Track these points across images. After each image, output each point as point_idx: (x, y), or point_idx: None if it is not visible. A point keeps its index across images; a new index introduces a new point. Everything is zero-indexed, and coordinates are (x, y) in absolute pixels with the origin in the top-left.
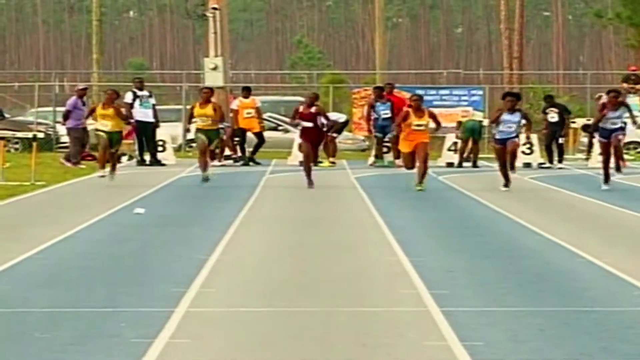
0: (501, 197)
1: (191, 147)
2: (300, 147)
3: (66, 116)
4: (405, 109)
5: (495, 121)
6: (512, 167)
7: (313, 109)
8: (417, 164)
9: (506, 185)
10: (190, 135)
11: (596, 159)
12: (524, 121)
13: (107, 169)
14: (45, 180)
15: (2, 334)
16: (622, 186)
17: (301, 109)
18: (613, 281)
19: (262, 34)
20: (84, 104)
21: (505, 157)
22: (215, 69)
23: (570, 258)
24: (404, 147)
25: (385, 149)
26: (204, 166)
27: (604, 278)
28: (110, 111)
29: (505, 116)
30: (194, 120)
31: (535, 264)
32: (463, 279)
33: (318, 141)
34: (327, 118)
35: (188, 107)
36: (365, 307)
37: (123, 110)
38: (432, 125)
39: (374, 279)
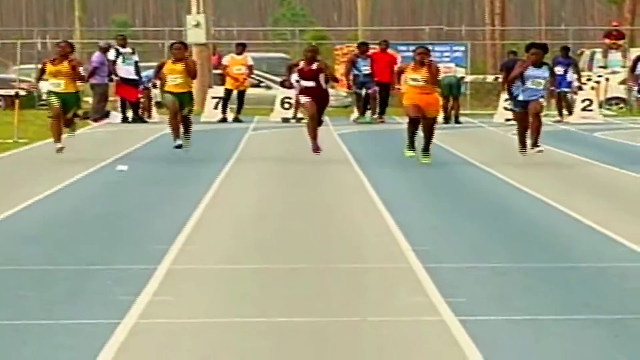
0: (486, 155)
1: None
2: (303, 104)
3: (93, 72)
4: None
5: (514, 79)
6: (536, 142)
7: (314, 66)
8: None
9: (523, 148)
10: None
11: (579, 114)
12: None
13: (66, 135)
14: (28, 138)
15: None
16: (609, 143)
17: (301, 64)
18: (598, 238)
19: None
20: (108, 60)
21: (528, 122)
22: (197, 25)
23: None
24: (407, 99)
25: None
26: (177, 131)
27: (589, 235)
28: (64, 67)
29: (531, 71)
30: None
31: (521, 221)
32: (447, 236)
33: (323, 103)
34: (334, 78)
35: None
36: (350, 263)
37: (81, 69)
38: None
39: (359, 237)
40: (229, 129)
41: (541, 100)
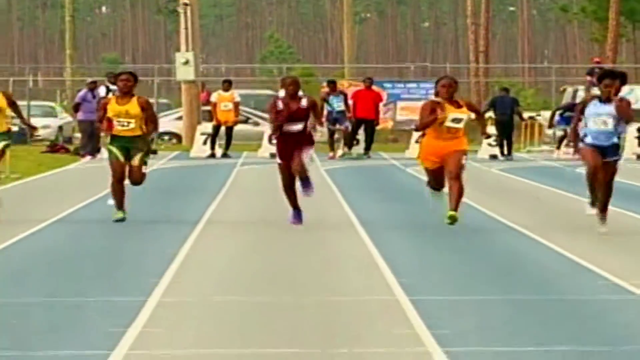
0: (471, 188)
1: (162, 139)
2: (280, 169)
3: (76, 108)
4: (429, 100)
5: (579, 118)
6: (606, 205)
7: (304, 102)
8: (447, 183)
9: (596, 207)
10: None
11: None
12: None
13: None
14: (20, 172)
15: None
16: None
17: (280, 105)
18: (580, 271)
19: (232, 29)
20: (94, 97)
21: (598, 175)
22: (186, 63)
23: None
24: (427, 161)
25: (355, 141)
26: (120, 199)
27: (571, 268)
28: None
29: (595, 107)
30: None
31: (504, 253)
32: (434, 272)
33: (301, 155)
34: (319, 120)
35: (161, 100)
36: (335, 296)
37: (18, 103)
38: (472, 116)
39: (344, 270)
40: (218, 165)
41: (617, 157)
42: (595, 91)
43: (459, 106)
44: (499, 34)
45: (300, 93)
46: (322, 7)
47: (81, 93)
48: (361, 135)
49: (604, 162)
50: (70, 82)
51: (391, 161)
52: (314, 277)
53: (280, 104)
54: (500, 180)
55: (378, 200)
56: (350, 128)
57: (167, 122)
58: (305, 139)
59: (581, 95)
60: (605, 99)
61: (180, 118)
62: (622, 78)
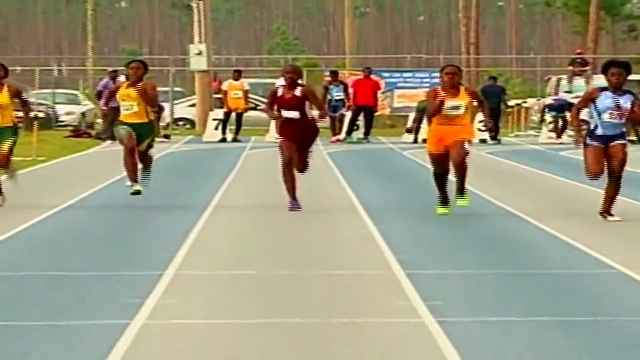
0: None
1: (177, 125)
2: (278, 145)
3: (99, 95)
4: (432, 89)
5: (583, 105)
6: (617, 190)
7: (298, 92)
8: (453, 169)
9: (608, 212)
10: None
11: (546, 135)
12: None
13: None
14: (45, 156)
15: (9, 295)
16: (571, 160)
17: (280, 91)
18: (564, 248)
19: (242, 23)
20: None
21: (602, 164)
22: (199, 54)
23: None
24: (432, 145)
25: (355, 127)
26: (133, 171)
27: (557, 245)
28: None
29: (606, 99)
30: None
31: (494, 231)
32: (428, 248)
33: (307, 141)
34: (322, 110)
35: (176, 88)
36: (337, 270)
37: (24, 94)
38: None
39: (345, 247)
40: (229, 148)
41: (625, 142)
42: (578, 80)
43: (457, 94)
44: (489, 27)
45: (300, 82)
46: (324, 2)
47: (103, 81)
48: (361, 121)
49: (611, 147)
50: (92, 72)
51: (389, 145)
52: (317, 252)
53: (280, 91)
54: (488, 163)
55: (377, 181)
56: (344, 116)
57: (181, 109)
58: (309, 126)
59: (564, 84)
60: (615, 89)
61: (193, 105)
62: (626, 67)
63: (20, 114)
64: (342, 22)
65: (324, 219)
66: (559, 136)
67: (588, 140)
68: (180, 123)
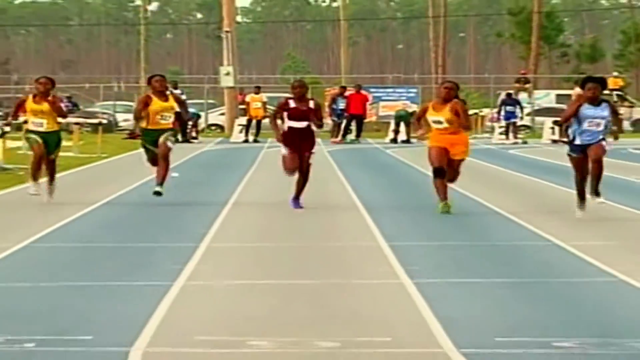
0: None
1: (210, 129)
2: (282, 158)
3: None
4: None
5: (569, 118)
6: (596, 190)
7: (312, 104)
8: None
9: (581, 205)
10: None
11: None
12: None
13: (41, 180)
14: (108, 153)
15: (80, 262)
16: (524, 159)
17: (292, 103)
18: (516, 227)
19: (261, 49)
20: None
21: (586, 169)
22: (227, 74)
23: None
24: (434, 142)
25: (348, 131)
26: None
27: (504, 222)
28: (45, 106)
29: (587, 110)
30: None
31: (465, 214)
32: (408, 223)
33: (308, 150)
34: (321, 122)
35: (209, 100)
36: (335, 242)
37: (62, 105)
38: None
39: (341, 223)
40: (250, 147)
41: (603, 143)
42: (521, 95)
43: (442, 109)
44: (453, 53)
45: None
46: (325, 34)
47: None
48: (353, 126)
49: (589, 149)
50: (144, 88)
51: (375, 145)
52: (318, 228)
53: (292, 103)
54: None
55: (366, 172)
56: (342, 123)
57: (213, 117)
58: (309, 135)
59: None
60: (592, 101)
61: (223, 114)
62: (602, 82)
63: (65, 120)
64: (339, 49)
65: (324, 203)
66: (507, 138)
67: (569, 152)
68: (213, 128)
